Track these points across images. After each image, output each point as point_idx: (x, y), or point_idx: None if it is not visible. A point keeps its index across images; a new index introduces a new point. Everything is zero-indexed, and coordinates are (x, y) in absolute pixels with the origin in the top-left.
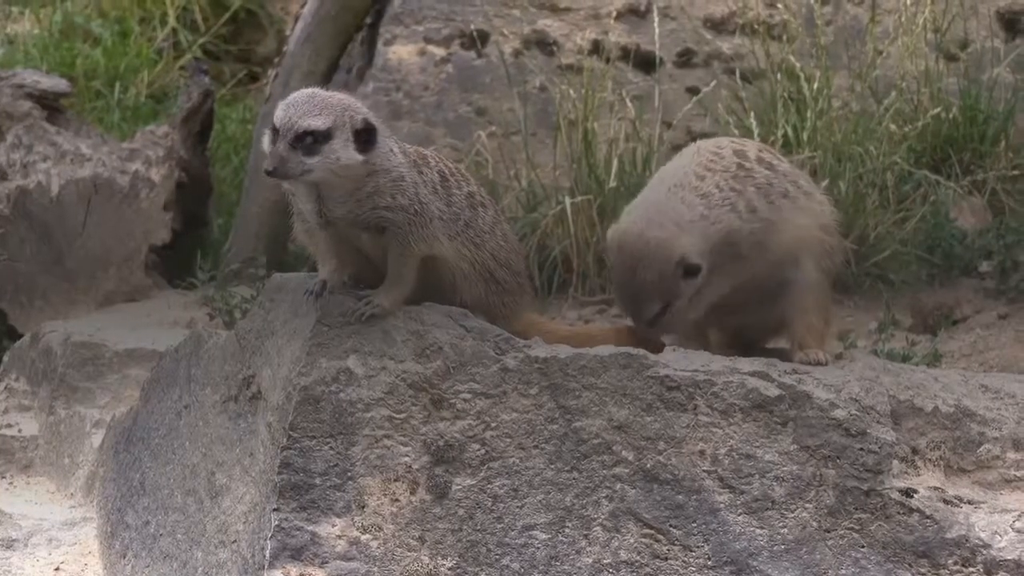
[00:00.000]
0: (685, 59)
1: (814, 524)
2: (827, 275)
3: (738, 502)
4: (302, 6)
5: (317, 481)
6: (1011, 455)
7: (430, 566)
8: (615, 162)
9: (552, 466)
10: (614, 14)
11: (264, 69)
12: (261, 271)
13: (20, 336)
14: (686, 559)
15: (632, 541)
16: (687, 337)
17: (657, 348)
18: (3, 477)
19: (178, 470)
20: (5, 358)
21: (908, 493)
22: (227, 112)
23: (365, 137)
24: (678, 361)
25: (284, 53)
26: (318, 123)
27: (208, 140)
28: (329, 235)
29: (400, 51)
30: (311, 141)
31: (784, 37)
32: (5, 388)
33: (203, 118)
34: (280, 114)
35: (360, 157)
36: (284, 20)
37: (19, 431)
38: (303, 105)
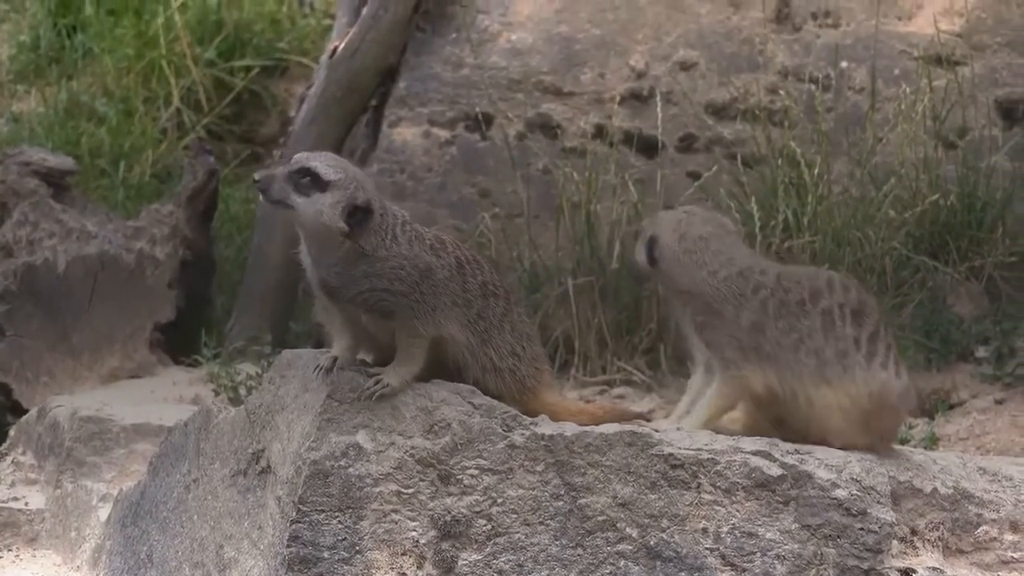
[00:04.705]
0: (687, 144)
1: None
2: None
3: None
4: (307, 88)
5: (325, 555)
6: (1008, 537)
7: None
8: (617, 244)
9: (557, 542)
10: (617, 99)
11: (267, 149)
12: (266, 348)
13: (25, 412)
14: None
15: None
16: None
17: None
18: (10, 550)
19: (186, 543)
20: (12, 432)
21: (907, 573)
22: (230, 192)
23: (359, 216)
24: (682, 440)
25: (289, 134)
26: (326, 171)
27: (212, 219)
28: (342, 315)
29: (404, 133)
30: (308, 182)
31: (785, 123)
32: (12, 462)
33: (207, 197)
34: (298, 154)
35: (343, 226)
36: (287, 101)
37: (26, 504)
38: (324, 156)
